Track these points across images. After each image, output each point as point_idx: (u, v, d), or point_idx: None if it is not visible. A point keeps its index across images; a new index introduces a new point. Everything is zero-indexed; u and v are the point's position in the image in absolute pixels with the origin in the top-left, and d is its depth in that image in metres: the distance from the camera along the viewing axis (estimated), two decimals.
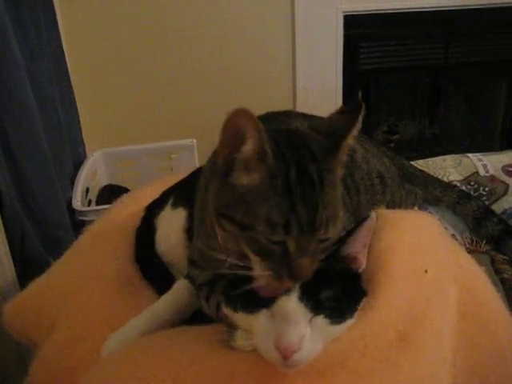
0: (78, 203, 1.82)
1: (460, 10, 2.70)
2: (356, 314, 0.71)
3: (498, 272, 1.03)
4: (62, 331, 0.93)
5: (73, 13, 2.20)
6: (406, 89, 3.03)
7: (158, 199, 1.15)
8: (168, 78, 2.39)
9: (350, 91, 2.81)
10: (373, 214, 0.71)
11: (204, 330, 0.77)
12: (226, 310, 0.70)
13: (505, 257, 1.04)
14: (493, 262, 1.04)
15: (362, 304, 0.72)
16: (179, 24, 2.33)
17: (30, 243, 1.57)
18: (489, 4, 2.69)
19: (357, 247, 0.72)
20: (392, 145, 2.99)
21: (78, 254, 1.12)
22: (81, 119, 2.15)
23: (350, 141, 0.68)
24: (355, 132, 0.68)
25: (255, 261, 0.64)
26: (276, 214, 0.61)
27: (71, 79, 2.08)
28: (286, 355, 0.61)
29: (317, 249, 0.64)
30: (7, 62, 1.49)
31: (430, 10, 2.69)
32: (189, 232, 0.98)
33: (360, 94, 2.91)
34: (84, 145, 2.17)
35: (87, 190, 2.00)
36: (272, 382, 0.66)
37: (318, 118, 0.91)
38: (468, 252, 1.00)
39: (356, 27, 2.68)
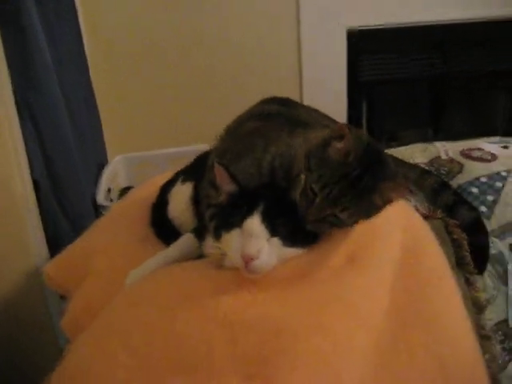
0: (101, 199, 2.13)
1: (458, 24, 2.92)
2: (306, 249, 0.98)
3: (449, 233, 1.29)
4: (94, 274, 1.24)
5: (95, 21, 2.48)
6: (409, 99, 3.21)
7: (170, 180, 1.45)
8: (186, 86, 2.68)
9: (354, 102, 3.07)
10: None
11: (203, 260, 1.06)
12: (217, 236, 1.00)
13: (456, 222, 1.30)
14: (446, 225, 1.31)
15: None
16: (196, 37, 2.64)
17: (61, 231, 1.87)
18: (485, 18, 2.92)
19: None
20: None
21: (105, 223, 1.43)
22: (102, 126, 2.46)
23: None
24: None
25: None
26: (328, 177, 0.91)
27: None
28: (247, 261, 0.89)
29: (329, 217, 0.93)
30: (41, 67, 1.77)
31: (429, 24, 2.91)
32: (194, 199, 1.28)
33: (364, 105, 3.19)
34: (105, 149, 2.49)
35: (109, 190, 2.31)
36: (249, 286, 0.94)
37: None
38: (425, 218, 1.26)
39: (359, 41, 2.90)
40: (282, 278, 0.95)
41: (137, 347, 0.92)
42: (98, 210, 2.11)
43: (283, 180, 1.01)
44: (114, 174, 2.40)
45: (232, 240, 0.94)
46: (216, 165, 0.99)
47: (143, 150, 2.56)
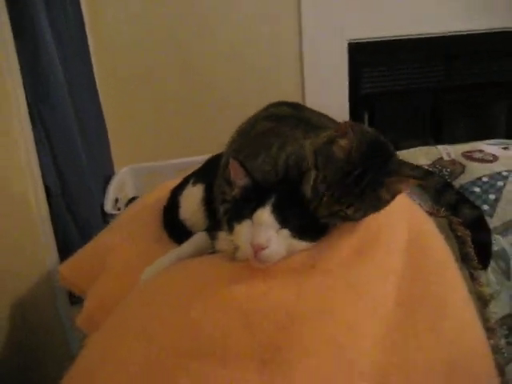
0: (108, 208, 2.19)
1: (459, 36, 3.01)
2: (314, 243, 1.02)
3: (453, 231, 1.34)
4: (109, 272, 1.28)
5: (103, 39, 2.59)
6: (410, 110, 3.29)
7: (180, 183, 1.51)
8: (190, 98, 2.77)
9: (355, 114, 3.14)
10: None
11: (216, 255, 1.11)
12: (230, 229, 1.04)
13: (459, 220, 1.35)
14: (450, 223, 1.36)
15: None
16: (199, 51, 2.74)
17: (71, 238, 1.93)
18: (486, 30, 3.01)
19: None
20: None
21: (119, 225, 1.48)
22: (109, 137, 2.54)
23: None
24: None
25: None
26: (332, 177, 0.95)
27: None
28: (256, 250, 0.94)
29: (338, 212, 0.97)
30: (53, 83, 1.86)
31: (429, 36, 3.00)
32: (205, 201, 1.33)
33: (366, 117, 3.25)
34: (112, 160, 2.55)
35: (116, 200, 2.36)
36: (262, 275, 0.98)
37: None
38: (430, 215, 1.31)
39: (360, 54, 2.99)
40: (294, 268, 0.99)
41: (153, 337, 0.96)
42: (105, 219, 2.16)
43: (296, 176, 1.05)
44: (121, 185, 2.45)
45: (243, 231, 0.99)
46: (231, 160, 1.04)
47: (149, 161, 2.61)
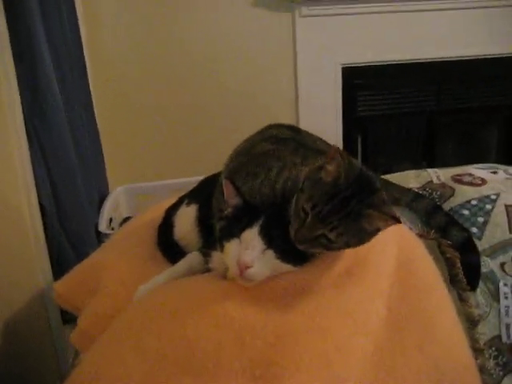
0: (103, 227, 2.21)
1: (450, 61, 3.11)
2: (298, 267, 1.05)
3: (443, 253, 1.38)
4: (104, 290, 1.30)
5: (99, 58, 2.66)
6: (403, 134, 3.35)
7: (174, 203, 1.53)
8: (186, 119, 2.84)
9: (349, 136, 3.19)
10: None
11: (210, 273, 1.14)
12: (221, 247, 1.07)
13: (449, 242, 1.38)
14: (439, 245, 1.39)
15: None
16: (196, 73, 2.82)
17: (65, 256, 1.94)
18: (477, 56, 3.11)
19: None
20: None
21: (114, 243, 1.51)
22: (104, 157, 2.57)
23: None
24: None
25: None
26: (318, 197, 0.96)
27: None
28: (241, 269, 0.97)
29: (320, 238, 0.97)
30: (50, 102, 1.90)
31: (422, 61, 3.09)
32: (199, 220, 1.36)
33: (359, 139, 3.30)
34: (107, 180, 2.58)
35: (111, 220, 2.39)
36: (255, 294, 1.00)
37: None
38: (419, 237, 1.35)
39: (353, 78, 3.07)
40: (285, 288, 1.02)
41: (147, 352, 0.98)
42: (100, 238, 2.18)
43: (290, 201, 1.07)
44: (115, 204, 2.48)
45: (231, 249, 1.02)
46: (224, 180, 1.07)
47: (144, 181, 2.65)
